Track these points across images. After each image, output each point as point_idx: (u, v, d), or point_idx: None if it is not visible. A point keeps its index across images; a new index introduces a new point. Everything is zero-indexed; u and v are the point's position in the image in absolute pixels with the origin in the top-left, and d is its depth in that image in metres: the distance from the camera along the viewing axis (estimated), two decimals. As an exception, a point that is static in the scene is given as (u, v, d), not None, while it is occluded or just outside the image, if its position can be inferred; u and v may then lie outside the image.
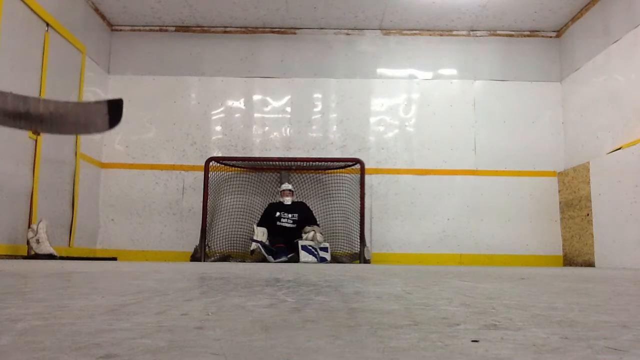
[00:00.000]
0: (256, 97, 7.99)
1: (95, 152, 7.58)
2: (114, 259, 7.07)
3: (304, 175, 7.76)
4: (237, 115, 7.96)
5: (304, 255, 6.76)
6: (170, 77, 8.00)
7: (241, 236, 7.42)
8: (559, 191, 7.73)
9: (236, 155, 7.77)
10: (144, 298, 1.39)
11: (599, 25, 6.97)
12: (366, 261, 6.98)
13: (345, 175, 7.70)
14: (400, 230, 7.67)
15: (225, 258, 7.26)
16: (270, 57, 8.08)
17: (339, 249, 7.38)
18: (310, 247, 6.83)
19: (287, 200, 7.24)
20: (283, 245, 6.97)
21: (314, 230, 6.93)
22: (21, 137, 5.65)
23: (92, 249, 7.41)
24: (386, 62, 8.10)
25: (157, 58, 8.06)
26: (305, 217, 7.25)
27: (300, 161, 7.61)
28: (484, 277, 2.80)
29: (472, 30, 8.12)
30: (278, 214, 7.24)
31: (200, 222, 7.25)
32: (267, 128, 7.93)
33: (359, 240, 7.20)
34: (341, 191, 7.65)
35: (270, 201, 7.51)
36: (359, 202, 7.34)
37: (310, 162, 7.63)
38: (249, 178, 7.77)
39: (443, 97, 7.98)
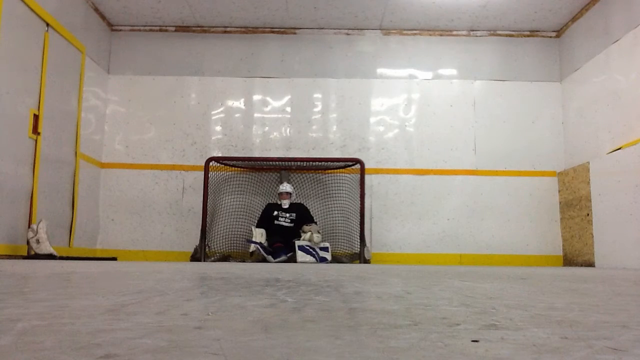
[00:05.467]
0: (256, 97, 7.99)
1: (95, 152, 7.58)
2: (114, 259, 7.07)
3: (304, 175, 7.76)
4: (237, 115, 7.96)
5: (301, 256, 6.76)
6: (170, 77, 8.00)
7: (241, 236, 7.43)
8: (559, 191, 7.73)
9: (236, 155, 7.77)
10: (144, 298, 1.39)
11: (599, 25, 6.97)
12: (366, 261, 6.98)
13: (345, 175, 7.70)
14: (400, 230, 7.67)
15: (225, 258, 7.26)
16: (270, 57, 8.08)
17: (339, 249, 7.39)
18: (307, 247, 6.83)
19: (285, 204, 7.24)
20: (281, 244, 6.97)
21: (311, 231, 6.93)
22: (21, 137, 5.65)
23: (92, 249, 7.41)
24: (386, 62, 8.10)
25: (157, 58, 8.06)
26: (303, 216, 7.26)
27: (300, 161, 7.61)
28: (484, 277, 2.80)
29: (472, 30, 8.12)
30: (276, 213, 7.25)
31: (200, 222, 7.25)
32: (267, 128, 7.93)
33: (359, 240, 7.20)
34: (341, 191, 7.65)
35: (269, 201, 7.51)
36: (359, 202, 7.34)
37: (310, 162, 7.63)
38: (248, 178, 7.77)
39: (443, 97, 7.98)
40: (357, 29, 8.13)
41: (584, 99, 7.34)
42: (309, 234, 6.91)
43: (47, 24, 6.11)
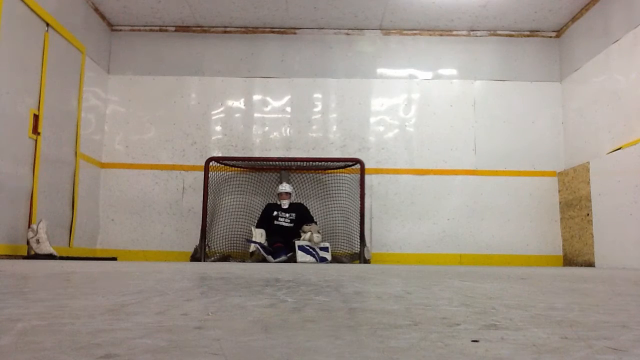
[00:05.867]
0: (256, 97, 7.99)
1: (95, 152, 7.58)
2: (114, 259, 7.07)
3: (304, 175, 7.76)
4: (237, 115, 7.96)
5: (301, 256, 6.76)
6: (170, 77, 8.00)
7: (241, 236, 7.43)
8: (559, 191, 7.73)
9: (236, 155, 7.77)
10: (144, 298, 1.39)
11: (599, 25, 6.97)
12: (366, 261, 6.98)
13: (345, 175, 7.70)
14: (400, 230, 7.67)
15: (225, 258, 7.26)
16: (270, 57, 8.08)
17: (339, 249, 7.39)
18: (307, 247, 6.83)
19: (285, 204, 7.24)
20: (281, 244, 6.97)
21: (311, 231, 6.93)
22: (21, 137, 5.65)
23: (92, 249, 7.41)
24: (386, 62, 8.10)
25: (157, 58, 8.06)
26: (303, 216, 7.26)
27: (300, 161, 7.61)
28: (484, 277, 2.80)
29: (472, 30, 8.12)
30: (275, 213, 7.25)
31: (200, 222, 7.25)
32: (267, 128, 7.93)
33: (359, 240, 7.20)
34: (341, 191, 7.65)
35: (269, 201, 7.51)
36: (359, 202, 7.34)
37: (310, 162, 7.63)
38: (249, 178, 7.77)
39: (443, 97, 7.98)
40: (357, 29, 8.13)
41: (584, 99, 7.33)
42: (309, 234, 6.91)
43: (47, 24, 6.11)
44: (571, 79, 7.69)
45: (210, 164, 7.47)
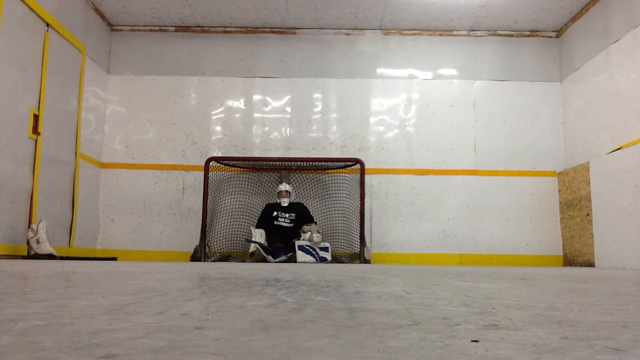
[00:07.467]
0: (256, 97, 7.99)
1: (95, 152, 7.58)
2: (114, 259, 7.07)
3: (304, 175, 7.76)
4: (237, 115, 7.96)
5: (301, 256, 6.76)
6: (170, 77, 8.00)
7: (241, 236, 7.43)
8: (559, 191, 7.73)
9: (236, 155, 7.77)
10: (144, 298, 1.39)
11: (599, 25, 6.97)
12: (366, 261, 6.98)
13: (345, 175, 7.70)
14: (400, 230, 7.67)
15: (225, 258, 7.26)
16: (270, 57, 8.08)
17: (339, 249, 7.39)
18: (307, 247, 6.83)
19: (285, 202, 7.24)
20: (281, 244, 6.97)
21: (310, 231, 6.93)
22: (21, 137, 5.65)
23: (92, 249, 7.41)
24: (386, 62, 8.10)
25: (157, 58, 8.05)
26: (303, 216, 7.26)
27: (300, 161, 7.61)
28: (484, 277, 2.80)
29: (472, 30, 8.12)
30: (275, 213, 7.25)
31: (200, 222, 7.25)
32: (267, 128, 7.93)
33: (359, 240, 7.20)
34: (341, 191, 7.65)
35: (269, 201, 7.51)
36: (359, 202, 7.34)
37: (310, 162, 7.63)
38: (249, 178, 7.77)
39: (443, 97, 7.98)
40: (357, 29, 8.13)
41: (584, 99, 7.34)
42: (308, 233, 6.91)
43: (47, 24, 6.11)
44: (571, 79, 7.69)
45: (210, 164, 7.47)
